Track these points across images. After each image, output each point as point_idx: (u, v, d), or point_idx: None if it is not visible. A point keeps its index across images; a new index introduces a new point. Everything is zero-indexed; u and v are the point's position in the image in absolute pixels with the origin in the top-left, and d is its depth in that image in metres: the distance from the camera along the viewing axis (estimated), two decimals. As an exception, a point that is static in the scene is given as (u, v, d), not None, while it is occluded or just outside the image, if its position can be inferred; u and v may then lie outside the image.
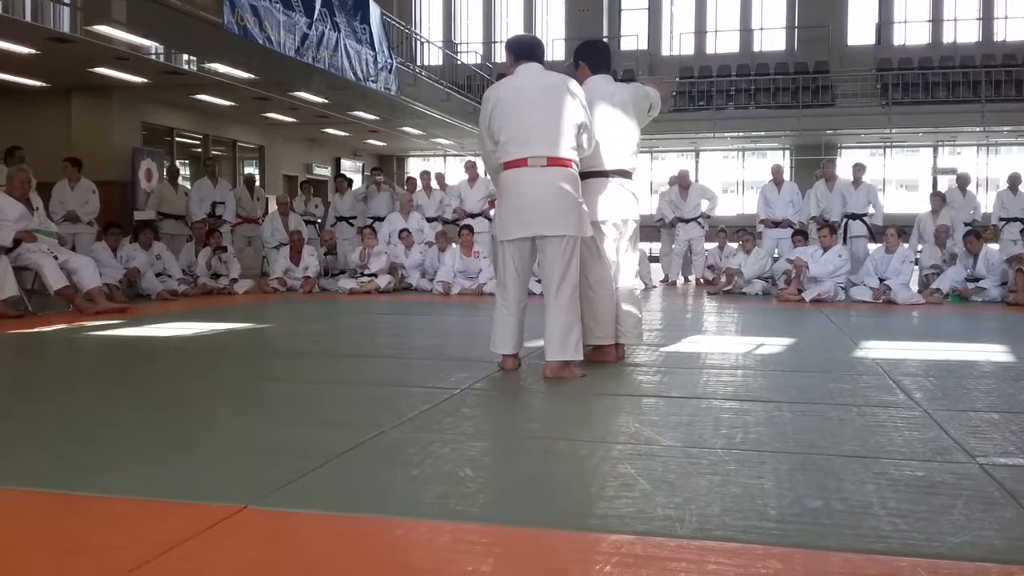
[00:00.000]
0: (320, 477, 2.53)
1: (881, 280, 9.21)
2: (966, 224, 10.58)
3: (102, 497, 2.35)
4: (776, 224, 11.18)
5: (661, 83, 5.24)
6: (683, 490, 2.39)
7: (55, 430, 3.20)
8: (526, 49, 4.50)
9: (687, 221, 11.77)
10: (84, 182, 10.26)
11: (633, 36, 24.99)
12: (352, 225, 12.52)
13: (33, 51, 10.43)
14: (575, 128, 4.31)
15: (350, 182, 13.63)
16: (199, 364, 4.98)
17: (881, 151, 24.11)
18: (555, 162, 4.26)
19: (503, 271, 4.41)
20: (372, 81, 13.69)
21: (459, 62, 22.74)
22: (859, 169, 11.03)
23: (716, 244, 11.95)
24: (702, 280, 11.61)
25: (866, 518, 2.16)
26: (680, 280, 12.07)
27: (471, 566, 1.87)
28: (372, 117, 16.93)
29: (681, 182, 11.99)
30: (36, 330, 6.41)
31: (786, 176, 12.27)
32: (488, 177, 11.18)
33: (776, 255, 10.91)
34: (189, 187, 12.40)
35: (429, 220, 11.82)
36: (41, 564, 1.89)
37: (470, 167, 11.77)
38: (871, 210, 10.81)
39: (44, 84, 12.83)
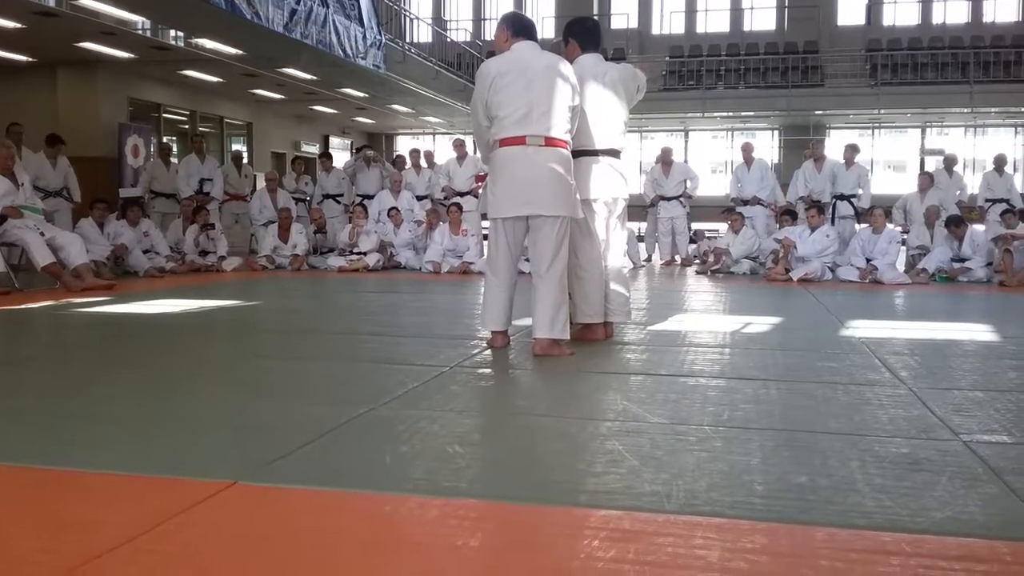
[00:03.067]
0: (310, 453, 2.54)
1: (868, 260, 9.25)
2: (945, 206, 10.61)
3: (91, 473, 2.35)
4: (745, 203, 11.19)
5: (645, 65, 5.24)
6: (671, 466, 2.41)
7: (42, 406, 3.19)
8: (523, 27, 4.48)
9: (669, 199, 11.76)
10: (63, 160, 10.12)
11: (623, 15, 24.91)
12: (339, 203, 12.46)
13: (18, 25, 10.34)
14: (569, 111, 4.31)
15: (328, 156, 13.52)
16: (187, 341, 4.97)
17: (869, 132, 24.17)
18: (552, 142, 4.26)
19: (495, 248, 4.40)
20: (361, 58, 13.62)
21: (448, 39, 22.60)
22: (851, 150, 11.02)
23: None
24: (687, 259, 11.62)
25: (851, 494, 2.19)
26: (660, 260, 12.08)
27: (460, 540, 1.89)
28: (360, 94, 16.84)
29: (664, 159, 11.97)
30: (22, 307, 6.38)
31: (774, 156, 12.27)
32: (477, 155, 11.21)
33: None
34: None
35: (419, 198, 11.77)
36: (29, 539, 1.89)
37: (459, 145, 11.72)
38: (860, 191, 10.83)
39: (29, 59, 12.72)
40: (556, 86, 4.27)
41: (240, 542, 1.89)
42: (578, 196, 4.41)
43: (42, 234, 7.46)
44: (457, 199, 11.11)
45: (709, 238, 11.66)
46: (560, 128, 4.28)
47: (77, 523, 1.98)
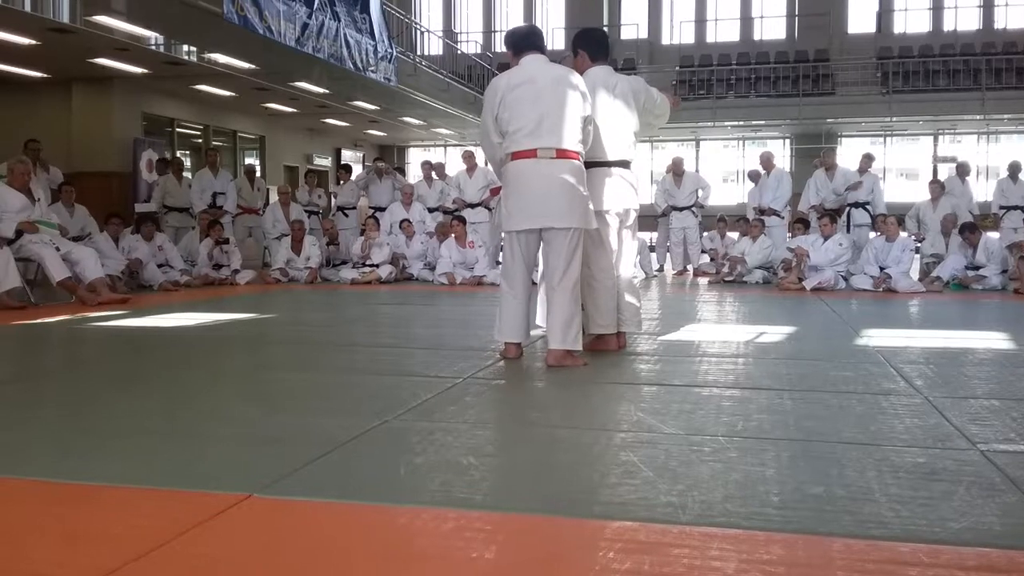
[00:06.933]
0: (324, 465, 2.54)
1: (881, 268, 9.21)
2: (959, 214, 10.56)
3: (106, 486, 2.36)
4: (763, 212, 11.13)
5: (673, 97, 5.21)
6: (685, 477, 2.41)
7: (58, 420, 3.21)
8: (522, 39, 4.49)
9: (681, 209, 11.72)
10: (80, 209, 9.73)
11: (633, 25, 24.94)
12: (347, 216, 12.51)
13: (33, 42, 10.42)
14: (581, 121, 4.32)
15: (347, 168, 13.63)
16: (202, 354, 4.99)
17: (881, 139, 24.07)
18: (564, 154, 4.26)
19: (510, 261, 4.42)
20: (372, 71, 13.67)
21: (459, 51, 22.69)
22: (866, 160, 10.99)
23: (716, 232, 11.92)
24: (699, 269, 11.59)
25: (867, 504, 2.17)
26: (672, 270, 12.05)
27: (475, 552, 1.89)
28: (372, 107, 16.91)
29: (675, 169, 11.94)
30: (38, 321, 6.42)
31: (786, 165, 12.19)
32: (488, 167, 11.24)
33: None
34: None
35: (430, 210, 11.81)
36: (45, 552, 1.90)
37: (468, 157, 11.74)
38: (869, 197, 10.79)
39: (45, 75, 12.82)
40: (566, 97, 4.28)
41: (256, 555, 1.90)
42: (592, 207, 4.42)
43: (57, 249, 7.51)
44: (468, 210, 11.13)
45: (711, 257, 11.59)
46: (572, 139, 4.29)
47: (93, 536, 1.99)
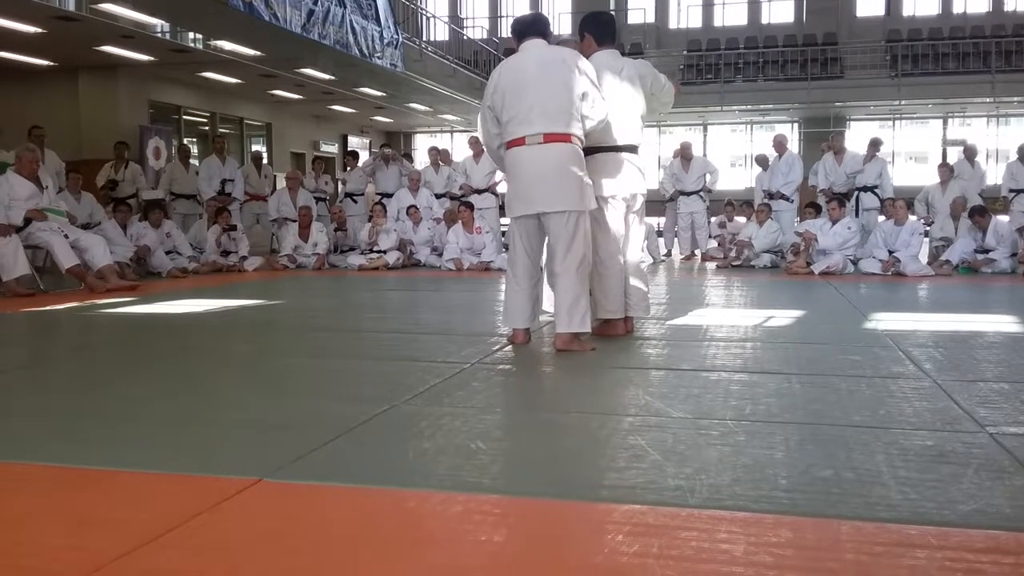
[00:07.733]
0: (333, 450, 2.55)
1: (890, 252, 9.18)
2: (968, 197, 10.51)
3: (116, 471, 2.37)
4: (771, 196, 11.07)
5: (675, 82, 5.21)
6: (694, 461, 2.41)
7: (68, 406, 3.22)
8: (526, 26, 4.48)
9: (688, 194, 11.68)
10: (87, 196, 9.97)
11: (640, 9, 24.84)
12: (356, 202, 12.51)
13: (39, 30, 10.44)
14: (577, 100, 4.28)
15: (354, 155, 13.65)
16: (210, 340, 5.01)
17: (890, 123, 23.96)
18: (552, 138, 4.24)
19: (513, 247, 4.44)
20: (378, 57, 13.66)
21: (465, 37, 22.62)
22: (874, 145, 10.92)
23: (724, 216, 11.88)
24: (707, 254, 11.56)
25: (876, 487, 2.17)
26: (680, 254, 12.02)
27: (484, 536, 1.89)
28: (378, 93, 16.90)
29: (684, 154, 11.88)
30: (48, 308, 6.44)
31: (794, 149, 12.09)
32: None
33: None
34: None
35: (437, 196, 11.80)
36: (55, 538, 1.92)
37: (475, 143, 11.70)
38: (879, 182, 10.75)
39: (51, 63, 12.85)
40: (558, 80, 4.25)
41: (266, 538, 1.91)
42: (592, 189, 4.38)
43: (66, 236, 7.53)
44: (474, 196, 11.12)
45: (718, 243, 11.54)
46: (564, 122, 4.25)
47: (104, 520, 2.00)
